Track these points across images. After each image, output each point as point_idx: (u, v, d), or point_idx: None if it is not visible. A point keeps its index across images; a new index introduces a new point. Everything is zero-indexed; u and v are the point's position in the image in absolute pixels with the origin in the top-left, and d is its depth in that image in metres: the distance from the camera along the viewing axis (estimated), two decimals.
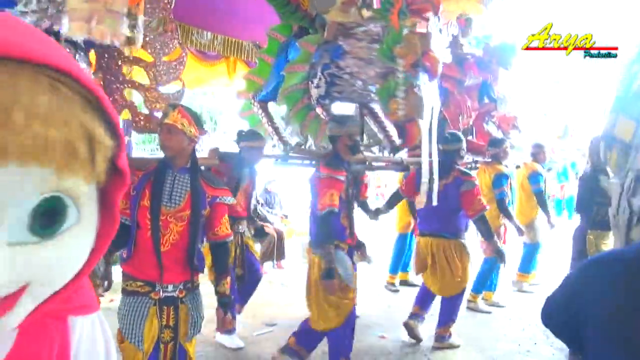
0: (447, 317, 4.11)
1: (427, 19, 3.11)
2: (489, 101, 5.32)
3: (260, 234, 4.31)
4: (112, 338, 0.70)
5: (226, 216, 2.58)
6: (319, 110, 3.67)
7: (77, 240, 0.48)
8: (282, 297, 5.36)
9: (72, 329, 0.63)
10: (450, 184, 3.86)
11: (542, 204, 5.54)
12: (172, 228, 2.34)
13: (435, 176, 3.46)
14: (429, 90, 3.13)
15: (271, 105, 4.40)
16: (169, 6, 2.75)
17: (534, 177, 5.55)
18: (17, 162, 0.40)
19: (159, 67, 2.92)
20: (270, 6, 4.06)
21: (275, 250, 6.19)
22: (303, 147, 3.79)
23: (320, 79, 3.52)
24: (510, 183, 5.01)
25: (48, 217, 0.45)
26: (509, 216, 4.87)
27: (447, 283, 4.01)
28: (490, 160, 5.01)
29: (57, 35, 2.47)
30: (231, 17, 5.28)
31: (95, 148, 0.45)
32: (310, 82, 3.65)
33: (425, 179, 3.40)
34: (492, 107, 5.30)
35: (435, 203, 3.62)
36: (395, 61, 3.05)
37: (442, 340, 4.12)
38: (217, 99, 10.96)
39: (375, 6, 3.84)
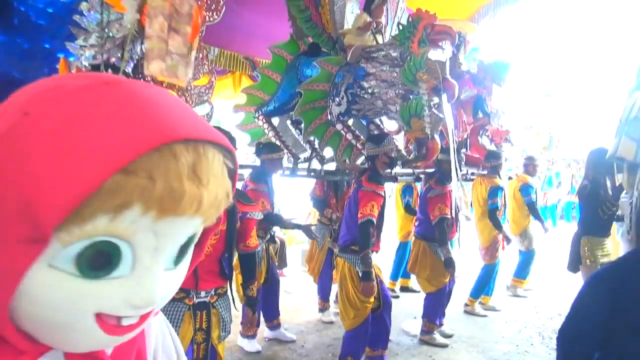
0: (428, 311, 4.52)
1: (443, 48, 3.36)
2: (483, 115, 5.57)
3: (272, 240, 4.49)
4: (175, 333, 0.82)
5: (255, 230, 2.88)
6: (339, 126, 3.99)
7: (185, 267, 0.62)
8: (287, 303, 5.52)
9: (149, 327, 0.74)
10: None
11: (535, 213, 5.85)
12: (208, 241, 2.51)
13: (457, 186, 3.72)
14: (447, 110, 3.51)
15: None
16: (202, 34, 2.91)
17: (525, 189, 5.85)
18: (199, 214, 0.53)
19: (190, 91, 3.07)
20: (280, 25, 4.27)
21: (278, 258, 6.33)
22: (346, 161, 4.12)
23: (342, 97, 3.88)
24: (504, 195, 5.26)
25: (181, 251, 0.57)
26: (498, 227, 5.25)
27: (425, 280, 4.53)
28: (486, 172, 5.25)
29: (113, 67, 2.64)
30: (238, 33, 5.46)
31: (225, 203, 0.57)
32: (331, 100, 3.97)
33: (454, 189, 3.61)
34: (485, 121, 5.57)
35: (460, 210, 3.90)
36: (418, 84, 3.42)
37: (426, 334, 4.54)
38: (215, 109, 11.11)
39: (385, 32, 4.12)
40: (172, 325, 2.52)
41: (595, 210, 3.99)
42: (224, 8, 2.71)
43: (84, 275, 0.49)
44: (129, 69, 2.81)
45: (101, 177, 0.44)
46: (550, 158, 12.66)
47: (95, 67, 2.82)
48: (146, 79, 3.03)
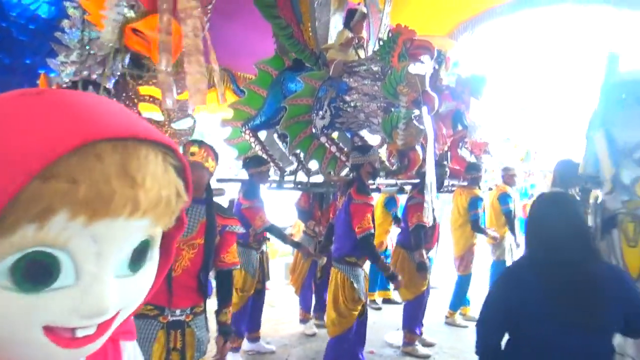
0: (408, 322, 4.61)
1: (423, 62, 3.45)
2: (462, 128, 5.70)
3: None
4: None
5: (235, 245, 2.74)
6: (323, 139, 4.08)
7: (150, 274, 0.58)
8: (271, 316, 5.52)
9: (123, 351, 0.72)
10: None
11: (510, 223, 5.96)
12: (184, 255, 2.50)
13: (431, 196, 3.77)
14: (427, 122, 3.62)
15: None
16: (184, 49, 2.94)
17: (503, 198, 5.96)
18: (142, 214, 0.50)
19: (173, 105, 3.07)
20: (267, 41, 4.35)
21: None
22: (331, 173, 4.19)
23: (326, 111, 3.99)
24: (483, 205, 5.37)
25: (138, 256, 0.55)
26: (483, 232, 5.32)
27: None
28: (466, 184, 5.36)
29: (94, 83, 2.65)
30: (222, 48, 5.49)
31: (179, 202, 0.56)
32: (314, 114, 4.06)
33: (428, 198, 3.74)
34: (464, 134, 5.70)
35: (431, 221, 3.94)
36: (398, 98, 3.53)
37: (408, 345, 4.61)
38: (200, 123, 11.11)
39: (368, 47, 4.23)
40: (145, 344, 2.40)
41: None
42: (208, 24, 2.74)
43: (22, 289, 0.46)
44: (109, 85, 2.83)
45: (15, 186, 0.43)
46: (527, 170, 12.91)
47: (75, 84, 2.83)
48: (128, 93, 3.06)
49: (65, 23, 2.93)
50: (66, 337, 0.50)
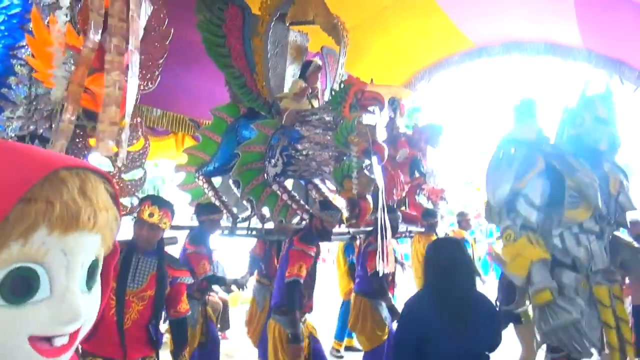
0: None
1: (373, 112, 3.57)
2: (419, 175, 5.82)
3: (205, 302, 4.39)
4: None
5: (185, 296, 2.83)
6: (275, 187, 4.09)
7: (98, 296, 0.66)
8: None
9: None
10: None
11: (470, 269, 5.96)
12: (134, 307, 2.54)
13: (386, 243, 3.79)
14: (377, 171, 3.69)
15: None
16: (136, 101, 2.94)
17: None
18: (98, 229, 0.61)
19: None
20: (224, 86, 4.40)
21: (220, 320, 6.15)
22: (282, 222, 4.15)
23: (278, 159, 4.02)
24: None
25: (91, 275, 0.63)
26: None
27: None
28: (424, 230, 5.41)
29: (40, 138, 2.62)
30: (181, 95, 5.53)
31: (116, 226, 0.66)
32: (267, 162, 4.09)
33: (379, 246, 3.71)
34: (422, 181, 5.80)
35: (381, 268, 3.93)
36: (349, 147, 3.61)
37: None
38: (160, 168, 11.03)
39: (321, 97, 4.33)
40: None
41: None
42: (160, 77, 2.77)
43: (9, 303, 0.54)
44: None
45: (4, 209, 0.53)
46: None
47: (21, 138, 2.81)
48: (78, 146, 3.01)
49: (12, 79, 2.92)
50: (45, 347, 0.57)
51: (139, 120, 3.05)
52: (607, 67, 7.32)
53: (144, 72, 2.73)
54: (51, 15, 2.37)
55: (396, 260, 5.66)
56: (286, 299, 3.43)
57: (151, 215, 2.57)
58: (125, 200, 3.04)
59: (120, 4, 1.96)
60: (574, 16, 6.17)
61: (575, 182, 2.65)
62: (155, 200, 2.66)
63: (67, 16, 2.30)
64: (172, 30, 2.66)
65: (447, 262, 2.25)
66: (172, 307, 2.75)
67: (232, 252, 8.69)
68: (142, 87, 2.79)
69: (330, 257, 10.59)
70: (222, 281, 4.13)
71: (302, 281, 3.40)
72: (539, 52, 7.73)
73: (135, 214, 2.70)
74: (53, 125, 2.56)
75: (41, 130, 2.62)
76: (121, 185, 2.98)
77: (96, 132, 2.11)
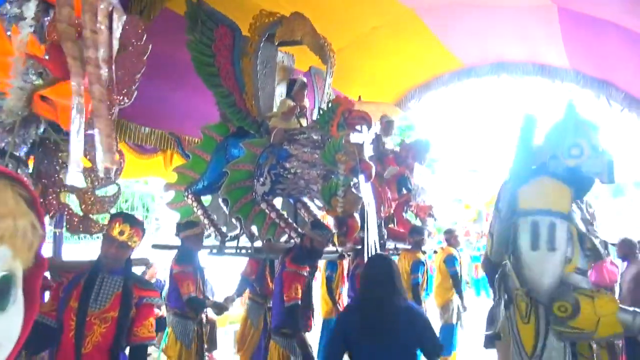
0: None
1: (360, 131, 3.66)
2: (407, 192, 5.85)
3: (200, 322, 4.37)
4: None
5: (151, 319, 2.56)
6: (263, 205, 4.10)
7: (16, 316, 0.59)
8: None
9: None
10: None
11: (457, 285, 6.01)
12: (96, 330, 2.37)
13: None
14: (365, 189, 3.74)
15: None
16: (112, 116, 2.92)
17: (450, 261, 6.05)
18: (2, 241, 0.54)
19: (97, 171, 2.98)
20: (215, 105, 4.44)
21: (208, 340, 6.06)
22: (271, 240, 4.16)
23: (266, 177, 4.04)
24: (427, 269, 5.43)
25: (1, 294, 0.57)
26: (418, 302, 5.29)
27: None
28: (410, 247, 5.42)
29: (2, 152, 2.59)
30: (170, 113, 5.56)
31: (35, 235, 0.59)
32: (255, 180, 4.12)
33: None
34: (409, 198, 5.83)
35: None
36: (337, 165, 3.65)
37: None
38: (150, 186, 11.00)
39: (309, 116, 4.38)
40: None
41: None
42: (136, 93, 2.77)
43: None
44: (21, 153, 2.76)
45: None
46: (479, 230, 13.23)
47: None
48: (51, 161, 2.99)
49: None
50: None
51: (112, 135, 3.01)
52: (594, 88, 7.45)
53: (119, 86, 2.72)
54: (14, 25, 2.36)
55: None
56: (288, 322, 3.48)
57: (121, 233, 2.45)
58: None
59: (89, 16, 1.98)
60: (560, 38, 6.30)
61: (591, 243, 2.59)
62: (127, 218, 2.53)
63: (31, 27, 2.30)
64: (151, 46, 2.65)
65: (371, 276, 2.59)
66: (131, 330, 2.45)
67: (222, 271, 8.63)
68: (118, 102, 2.78)
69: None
70: (201, 305, 4.05)
71: (300, 303, 3.45)
72: (527, 73, 7.87)
73: (104, 231, 2.61)
74: (15, 139, 2.51)
75: (2, 144, 2.55)
76: (94, 201, 2.93)
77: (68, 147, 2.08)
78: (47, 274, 2.52)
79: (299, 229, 4.03)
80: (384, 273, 2.56)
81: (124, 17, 2.30)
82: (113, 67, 2.31)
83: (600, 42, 6.00)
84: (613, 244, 5.43)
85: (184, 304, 3.85)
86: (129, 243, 2.47)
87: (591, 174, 2.56)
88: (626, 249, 5.25)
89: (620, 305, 2.49)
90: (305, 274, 3.61)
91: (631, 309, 2.52)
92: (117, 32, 2.25)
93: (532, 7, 5.69)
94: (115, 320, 2.38)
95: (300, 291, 3.49)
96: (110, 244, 2.46)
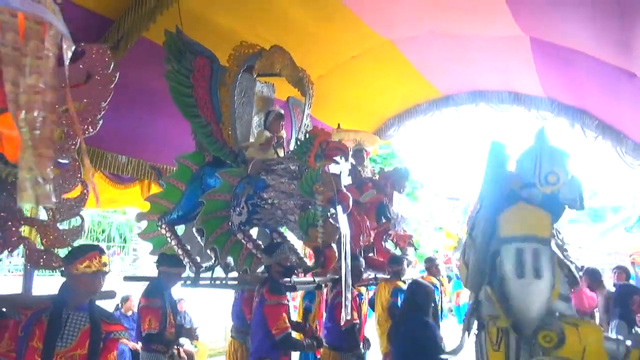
0: None
1: (337, 162, 3.69)
2: (386, 220, 5.86)
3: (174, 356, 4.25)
4: None
5: (115, 352, 2.51)
6: (240, 235, 4.08)
7: None
8: None
9: None
10: None
11: (435, 315, 5.90)
12: None
13: (349, 293, 3.78)
14: (342, 220, 3.73)
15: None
16: (75, 146, 2.84)
17: None
18: None
19: (58, 204, 2.90)
20: (190, 134, 4.44)
21: None
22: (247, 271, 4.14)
23: (243, 207, 4.03)
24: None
25: None
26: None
27: None
28: (389, 277, 5.40)
29: None
30: (147, 142, 5.54)
31: None
32: (232, 210, 4.10)
33: (343, 295, 3.71)
34: (388, 227, 5.83)
35: (349, 317, 3.92)
36: (314, 196, 3.69)
37: None
38: (128, 216, 10.86)
39: (287, 146, 4.41)
40: None
41: None
42: (101, 122, 2.72)
43: None
44: None
45: None
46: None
47: None
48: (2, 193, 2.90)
49: None
50: None
51: (76, 164, 2.93)
52: (569, 116, 7.64)
53: (84, 115, 2.68)
54: None
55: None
56: (289, 350, 3.61)
57: (105, 264, 2.44)
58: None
59: (34, 42, 1.95)
60: (534, 67, 6.48)
61: (568, 268, 2.64)
62: (100, 250, 2.52)
63: None
64: (118, 75, 2.62)
65: (404, 303, 2.62)
66: None
67: (201, 302, 8.50)
68: (82, 132, 2.72)
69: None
70: (161, 342, 3.83)
71: (290, 331, 3.50)
72: (503, 101, 8.06)
73: (75, 267, 2.44)
74: None
75: None
76: (56, 235, 2.82)
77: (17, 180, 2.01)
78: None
79: (265, 263, 3.98)
80: (419, 303, 2.92)
81: (73, 47, 2.24)
82: (69, 96, 2.24)
83: (572, 71, 6.20)
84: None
85: (153, 337, 3.74)
86: (107, 270, 2.45)
87: (566, 201, 2.61)
88: (591, 279, 5.31)
89: (605, 334, 2.51)
90: (286, 302, 3.61)
91: (614, 337, 2.55)
92: (67, 61, 2.20)
93: (505, 37, 5.87)
94: (82, 359, 2.31)
95: (287, 321, 3.52)
96: (95, 278, 2.42)
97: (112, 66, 2.59)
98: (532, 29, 5.55)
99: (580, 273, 3.31)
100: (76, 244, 2.79)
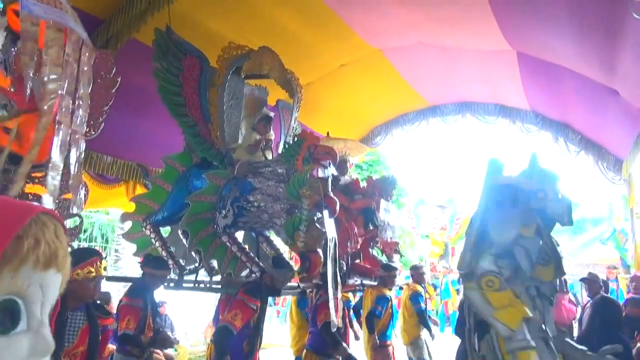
0: None
1: (326, 167, 3.72)
2: (373, 227, 5.85)
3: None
4: None
5: (109, 343, 2.82)
6: (224, 238, 4.01)
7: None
8: None
9: None
10: None
11: (424, 322, 5.97)
12: None
13: (337, 298, 3.76)
14: (329, 224, 3.70)
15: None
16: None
17: (415, 298, 6.03)
18: (63, 271, 0.72)
19: (59, 204, 2.91)
20: (178, 135, 4.40)
21: None
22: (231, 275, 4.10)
23: (229, 210, 3.95)
24: (391, 305, 5.38)
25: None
26: (371, 331, 5.29)
27: None
28: (376, 283, 5.39)
29: None
30: (133, 142, 5.49)
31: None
32: (218, 213, 4.02)
33: (331, 297, 3.66)
34: (375, 233, 5.83)
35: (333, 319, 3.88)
36: (301, 200, 3.61)
37: None
38: (111, 216, 10.74)
39: (275, 149, 4.39)
40: None
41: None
42: (103, 125, 2.73)
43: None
44: None
45: (2, 244, 0.61)
46: (447, 265, 13.32)
47: None
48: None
49: None
50: None
51: None
52: (553, 130, 7.75)
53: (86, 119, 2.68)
54: None
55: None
56: (216, 348, 3.44)
57: (104, 269, 2.59)
58: None
59: (55, 49, 1.97)
60: (520, 81, 6.57)
61: (550, 245, 2.71)
62: (99, 254, 2.60)
63: None
64: (120, 79, 2.63)
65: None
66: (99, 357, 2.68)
67: (183, 305, 8.40)
68: (84, 134, 2.72)
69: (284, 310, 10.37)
70: (135, 344, 3.68)
71: (232, 330, 3.38)
72: (489, 113, 8.14)
73: (75, 272, 2.45)
74: None
75: None
76: None
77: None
78: None
79: (261, 264, 3.95)
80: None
81: (94, 53, 2.28)
82: (81, 101, 2.26)
83: (557, 86, 6.29)
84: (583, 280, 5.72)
85: (129, 339, 3.66)
86: (105, 274, 2.60)
87: (554, 216, 2.75)
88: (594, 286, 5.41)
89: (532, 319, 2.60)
90: (254, 307, 3.52)
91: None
92: (85, 66, 2.22)
93: (493, 51, 5.94)
94: (83, 355, 2.47)
95: (239, 320, 3.42)
96: (96, 283, 2.56)
97: (114, 71, 2.60)
98: (520, 44, 5.62)
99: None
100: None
